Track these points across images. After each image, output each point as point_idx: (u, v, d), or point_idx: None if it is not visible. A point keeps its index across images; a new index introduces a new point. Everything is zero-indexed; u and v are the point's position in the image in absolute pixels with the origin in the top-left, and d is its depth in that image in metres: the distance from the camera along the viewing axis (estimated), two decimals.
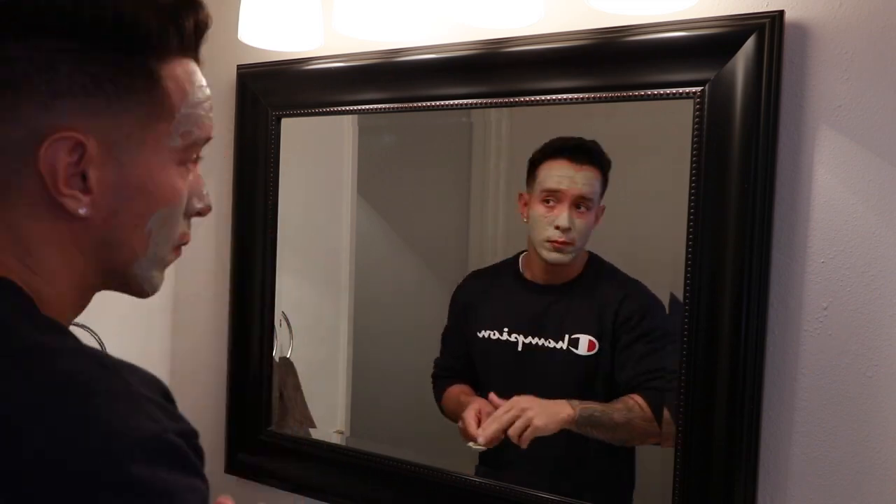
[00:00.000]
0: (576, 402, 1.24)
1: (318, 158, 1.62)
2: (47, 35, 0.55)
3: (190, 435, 0.53)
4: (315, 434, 1.54)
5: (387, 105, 1.38)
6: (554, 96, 1.20)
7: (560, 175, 1.27)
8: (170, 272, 0.72)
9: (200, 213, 0.68)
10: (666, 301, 1.18)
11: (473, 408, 1.34)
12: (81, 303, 0.63)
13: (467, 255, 1.45)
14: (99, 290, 0.65)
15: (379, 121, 1.45)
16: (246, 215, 1.54)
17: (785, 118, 1.05)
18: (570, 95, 1.18)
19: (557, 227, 1.27)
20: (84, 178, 0.57)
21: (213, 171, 1.57)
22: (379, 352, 1.57)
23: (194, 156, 0.65)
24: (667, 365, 1.18)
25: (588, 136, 1.26)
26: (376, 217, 1.57)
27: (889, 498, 1.01)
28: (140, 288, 0.66)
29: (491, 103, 1.29)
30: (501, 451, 1.31)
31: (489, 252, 1.43)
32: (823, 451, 1.05)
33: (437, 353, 1.45)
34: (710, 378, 1.09)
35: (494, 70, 1.25)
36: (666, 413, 1.16)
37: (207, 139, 0.65)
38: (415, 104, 1.34)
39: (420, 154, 1.51)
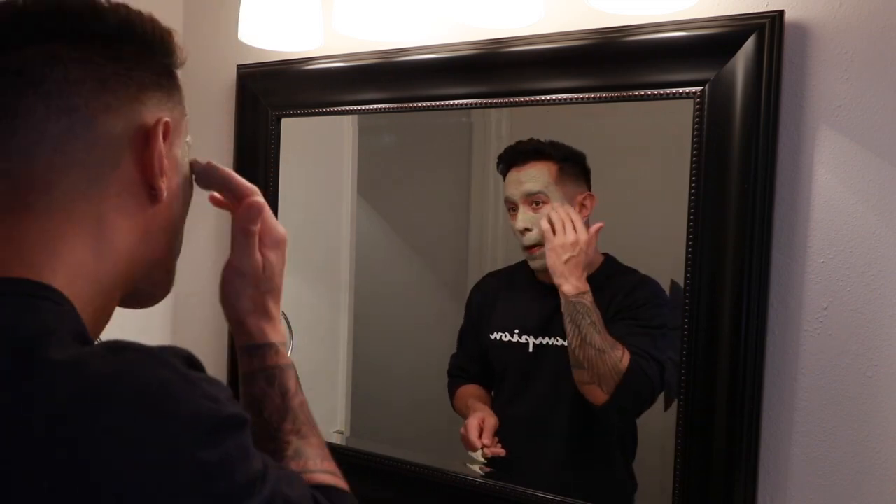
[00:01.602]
0: (588, 294, 1.23)
1: (318, 158, 1.62)
2: (124, 46, 0.62)
3: (224, 387, 0.55)
4: None
5: (387, 105, 1.38)
6: (554, 96, 1.20)
7: (509, 182, 1.31)
8: None
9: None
10: (667, 288, 1.18)
11: (477, 416, 1.34)
12: (111, 303, 0.64)
13: (467, 254, 1.45)
14: (127, 297, 0.66)
15: (379, 121, 1.45)
16: None
17: (785, 118, 1.05)
18: (570, 95, 1.18)
19: (520, 231, 1.29)
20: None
21: None
22: (379, 352, 1.57)
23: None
24: (656, 353, 1.19)
25: (588, 136, 1.26)
26: (376, 217, 1.57)
27: (889, 498, 1.01)
28: (168, 286, 0.70)
29: (491, 103, 1.29)
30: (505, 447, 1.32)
31: (489, 252, 1.43)
32: (823, 451, 1.05)
33: (437, 353, 1.45)
34: (710, 378, 1.08)
35: (494, 70, 1.25)
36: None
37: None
38: (415, 104, 1.34)
39: (420, 154, 1.51)
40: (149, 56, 0.64)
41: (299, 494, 0.57)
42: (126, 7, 0.63)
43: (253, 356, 0.72)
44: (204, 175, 0.72)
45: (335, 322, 1.60)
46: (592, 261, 1.28)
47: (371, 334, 1.58)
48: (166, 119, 0.63)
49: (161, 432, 0.48)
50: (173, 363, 0.53)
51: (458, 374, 1.43)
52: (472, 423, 1.33)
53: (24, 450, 0.47)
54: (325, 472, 0.68)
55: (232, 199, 0.74)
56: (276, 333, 0.75)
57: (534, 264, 1.30)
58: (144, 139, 0.62)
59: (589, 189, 1.27)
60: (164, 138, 0.63)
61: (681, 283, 1.11)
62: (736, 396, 1.06)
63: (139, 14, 0.63)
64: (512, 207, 1.31)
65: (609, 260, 1.28)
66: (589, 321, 1.22)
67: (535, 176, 1.28)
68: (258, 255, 0.75)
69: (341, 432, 1.54)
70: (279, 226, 0.78)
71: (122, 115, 0.61)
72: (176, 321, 1.69)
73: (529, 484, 1.26)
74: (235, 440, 0.52)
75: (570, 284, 1.23)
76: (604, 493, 1.26)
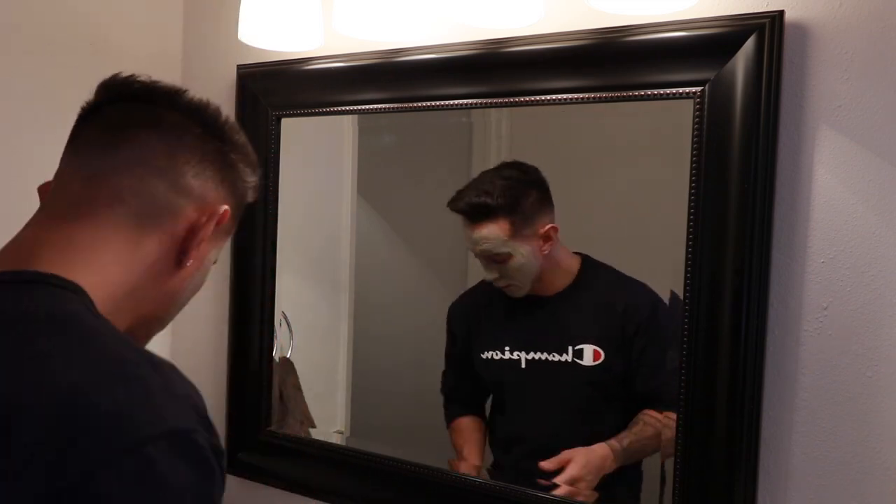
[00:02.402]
0: (613, 442, 1.22)
1: (318, 158, 1.62)
2: (211, 133, 0.72)
3: (220, 454, 0.57)
4: (315, 434, 1.54)
5: (387, 105, 1.38)
6: (554, 96, 1.20)
7: (465, 235, 1.30)
8: None
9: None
10: (666, 298, 1.18)
11: (465, 467, 1.35)
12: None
13: (467, 254, 1.45)
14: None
15: (379, 121, 1.45)
16: (246, 215, 1.53)
17: (785, 118, 1.05)
18: (570, 95, 1.18)
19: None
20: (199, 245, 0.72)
21: None
22: (379, 351, 1.57)
23: None
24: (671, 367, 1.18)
25: (588, 136, 1.26)
26: (376, 217, 1.57)
27: (889, 498, 1.01)
28: (161, 326, 0.79)
29: (491, 103, 1.29)
30: (503, 453, 1.32)
31: None
32: (823, 451, 1.05)
33: (437, 353, 1.45)
34: (710, 378, 1.08)
35: (494, 70, 1.25)
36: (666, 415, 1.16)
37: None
38: (415, 104, 1.34)
39: (420, 154, 1.51)
40: (242, 160, 0.75)
41: None
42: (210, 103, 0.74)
43: None
44: None
45: (335, 322, 1.60)
46: (570, 266, 1.27)
47: (371, 334, 1.58)
48: (227, 210, 0.72)
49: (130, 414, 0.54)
50: (160, 370, 0.60)
51: (454, 395, 1.42)
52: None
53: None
54: None
55: None
56: None
57: (511, 294, 1.30)
58: (205, 216, 0.70)
59: (551, 211, 1.26)
60: (218, 223, 0.71)
61: (681, 283, 1.11)
62: (736, 396, 1.06)
63: (219, 109, 0.74)
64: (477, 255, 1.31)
65: (586, 262, 1.28)
66: (640, 447, 1.21)
67: (489, 237, 1.27)
68: None
69: (341, 432, 1.54)
70: None
71: (203, 185, 0.70)
72: (176, 321, 1.68)
73: (530, 484, 1.25)
74: (186, 461, 0.55)
75: (609, 466, 1.22)
76: (607, 493, 1.25)
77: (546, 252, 1.26)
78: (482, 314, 1.37)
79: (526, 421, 1.33)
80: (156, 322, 0.76)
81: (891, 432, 1.01)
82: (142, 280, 0.69)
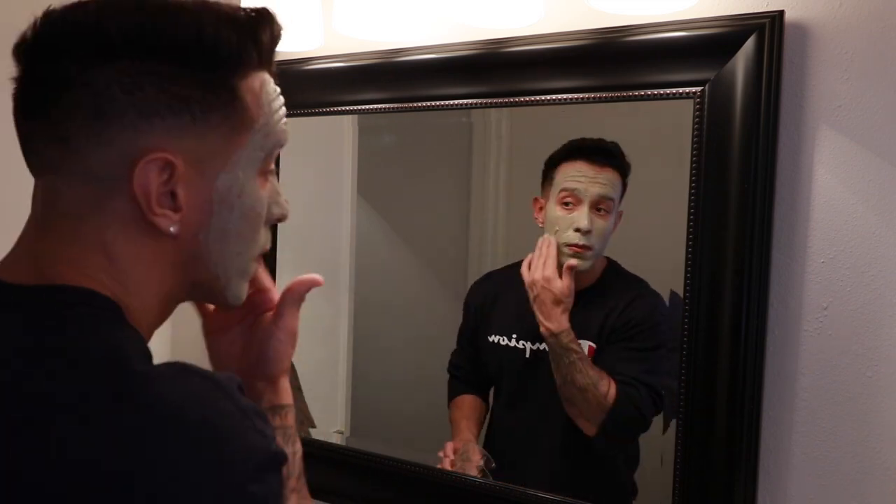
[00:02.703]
0: (566, 332, 1.23)
1: (318, 158, 1.62)
2: (131, 58, 0.56)
3: (268, 421, 0.57)
4: (315, 434, 1.54)
5: (387, 105, 1.38)
6: (554, 96, 1.20)
7: (580, 175, 1.24)
8: None
9: (280, 220, 0.72)
10: (666, 298, 1.18)
11: (455, 443, 1.35)
12: (166, 314, 0.66)
13: (467, 254, 1.45)
14: (184, 301, 0.67)
15: (379, 121, 1.45)
16: None
17: (785, 118, 1.05)
18: (570, 95, 1.18)
19: (578, 230, 1.23)
20: (173, 196, 0.58)
21: None
22: (379, 352, 1.57)
23: (271, 164, 0.68)
24: (649, 378, 1.19)
25: (588, 136, 1.26)
26: (376, 217, 1.57)
27: (889, 498, 1.01)
28: (225, 300, 0.68)
29: (491, 103, 1.29)
30: (503, 453, 1.32)
31: (489, 252, 1.43)
32: (823, 451, 1.05)
33: (437, 353, 1.45)
34: (710, 378, 1.08)
35: (494, 70, 1.25)
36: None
37: (283, 146, 0.69)
38: (415, 104, 1.34)
39: (420, 154, 1.51)
40: (171, 74, 0.57)
41: None
42: (148, 8, 0.57)
43: (276, 414, 0.75)
44: None
45: (335, 322, 1.60)
46: (594, 266, 1.27)
47: (371, 334, 1.58)
48: (161, 156, 0.57)
49: (218, 464, 0.50)
50: (232, 393, 0.54)
51: (456, 372, 1.43)
52: (448, 449, 1.35)
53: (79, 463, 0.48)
54: None
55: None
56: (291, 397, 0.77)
57: (571, 261, 1.25)
58: (132, 173, 0.57)
59: None
60: (171, 171, 0.57)
61: (681, 283, 1.11)
62: (736, 397, 1.06)
63: (164, 20, 0.57)
64: (570, 200, 1.25)
65: (611, 266, 1.27)
66: (568, 361, 1.22)
67: (612, 182, 1.24)
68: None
69: (341, 432, 1.54)
70: None
71: (113, 147, 0.57)
72: (176, 321, 1.68)
73: (529, 484, 1.25)
74: (277, 477, 0.54)
75: (543, 326, 1.24)
76: (604, 498, 1.25)
77: (614, 231, 1.25)
78: (499, 297, 1.37)
79: (525, 409, 1.34)
80: (221, 282, 0.66)
81: (891, 432, 1.01)
82: (144, 273, 0.61)
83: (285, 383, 0.77)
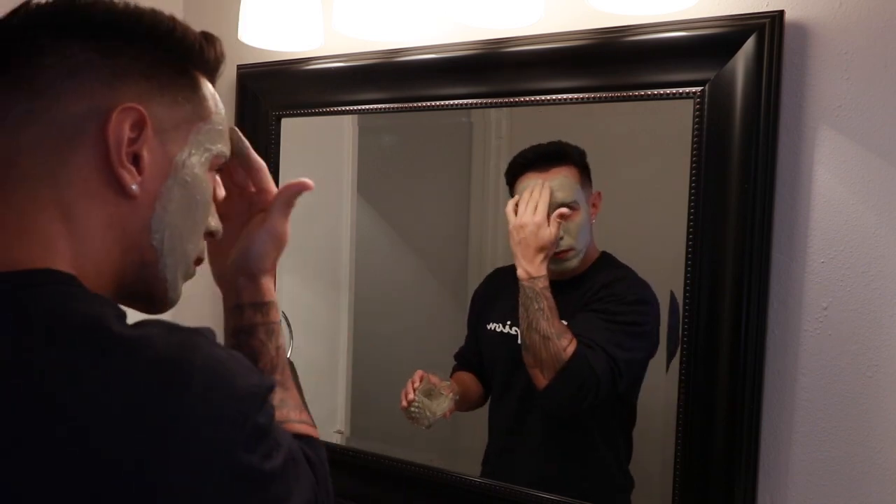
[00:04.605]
0: (543, 278, 1.23)
1: (318, 158, 1.62)
2: (109, 37, 0.61)
3: (245, 357, 0.61)
4: None
5: (387, 105, 1.38)
6: (554, 96, 1.20)
7: (530, 194, 1.27)
8: None
9: (212, 234, 0.73)
10: (666, 299, 1.18)
11: (420, 374, 1.36)
12: (115, 299, 0.64)
13: (467, 254, 1.45)
14: (126, 292, 0.65)
15: (379, 121, 1.45)
16: None
17: (785, 118, 1.05)
18: (570, 95, 1.18)
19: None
20: (137, 158, 0.61)
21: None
22: (379, 352, 1.57)
23: (216, 168, 0.70)
24: (611, 348, 1.20)
25: (588, 136, 1.26)
26: (376, 217, 1.57)
27: (889, 498, 1.01)
28: (164, 293, 0.68)
29: (491, 103, 1.29)
30: (502, 452, 1.32)
31: (489, 251, 1.43)
32: (823, 451, 1.05)
33: (437, 353, 1.46)
34: (709, 378, 1.08)
35: (494, 70, 1.25)
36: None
37: (226, 157, 0.71)
38: (415, 104, 1.34)
39: (420, 154, 1.51)
40: (146, 49, 0.62)
41: (295, 446, 0.64)
42: (129, 5, 0.62)
43: (258, 311, 0.77)
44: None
45: (335, 322, 1.60)
46: (588, 256, 1.28)
47: (371, 334, 1.58)
48: (135, 106, 0.59)
49: (229, 407, 0.54)
50: (215, 340, 0.59)
51: (462, 360, 1.44)
52: (416, 376, 1.35)
53: (102, 427, 0.50)
54: (303, 423, 0.76)
55: (243, 168, 0.79)
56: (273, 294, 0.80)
57: (559, 268, 1.27)
58: (104, 124, 0.59)
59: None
60: (140, 129, 0.60)
61: (681, 283, 1.11)
62: (736, 397, 1.06)
63: (143, 11, 0.62)
64: None
65: (605, 257, 1.28)
66: (537, 307, 1.22)
67: (564, 183, 1.26)
68: (289, 226, 0.81)
69: (341, 432, 1.54)
70: None
71: (85, 99, 0.59)
72: (176, 321, 1.68)
73: (520, 476, 1.26)
74: (271, 402, 0.59)
75: (522, 268, 1.24)
76: (597, 489, 1.26)
77: (593, 220, 1.27)
78: (501, 288, 1.38)
79: (515, 396, 1.34)
80: (159, 267, 0.66)
81: (891, 432, 1.01)
82: (103, 237, 0.61)
83: (268, 283, 0.79)
